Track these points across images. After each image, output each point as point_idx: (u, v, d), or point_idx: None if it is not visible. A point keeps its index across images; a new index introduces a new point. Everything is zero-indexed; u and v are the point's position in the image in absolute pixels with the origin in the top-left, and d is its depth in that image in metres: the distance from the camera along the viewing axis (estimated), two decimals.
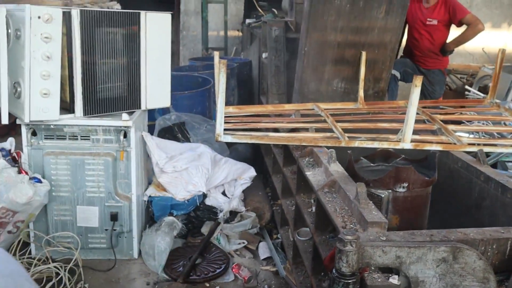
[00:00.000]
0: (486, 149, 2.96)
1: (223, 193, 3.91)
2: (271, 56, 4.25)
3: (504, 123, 4.11)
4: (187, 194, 3.68)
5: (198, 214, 3.77)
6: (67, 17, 2.99)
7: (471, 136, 4.92)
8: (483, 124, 3.98)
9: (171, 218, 3.53)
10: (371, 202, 2.09)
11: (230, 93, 4.95)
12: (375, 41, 3.61)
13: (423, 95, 4.82)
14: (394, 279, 1.76)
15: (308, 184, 2.86)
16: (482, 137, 4.28)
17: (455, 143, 2.96)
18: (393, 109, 3.70)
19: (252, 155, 4.64)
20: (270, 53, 4.24)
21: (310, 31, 3.41)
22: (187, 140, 4.10)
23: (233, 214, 3.85)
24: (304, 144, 2.87)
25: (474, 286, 1.79)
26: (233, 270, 3.34)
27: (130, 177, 3.37)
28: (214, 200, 3.84)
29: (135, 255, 3.49)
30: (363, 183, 2.12)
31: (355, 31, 3.52)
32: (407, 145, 2.85)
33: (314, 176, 2.62)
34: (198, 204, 3.74)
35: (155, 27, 3.43)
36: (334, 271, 1.74)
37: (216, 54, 3.58)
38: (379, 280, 1.75)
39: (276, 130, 3.42)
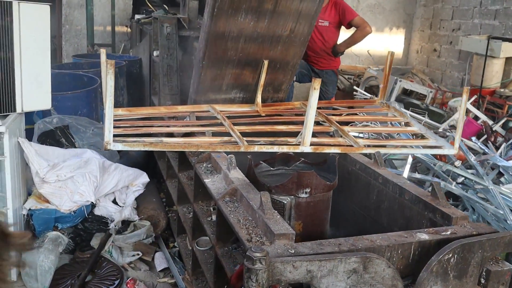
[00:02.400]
0: (381, 150, 3.02)
1: (114, 202, 3.62)
2: (163, 55, 4.01)
3: (391, 123, 4.31)
4: (73, 205, 3.34)
5: (86, 226, 3.44)
6: None
7: (361, 136, 5.11)
8: (375, 124, 4.10)
9: (55, 233, 3.17)
10: (276, 212, 1.99)
11: (119, 93, 4.62)
12: (278, 56, 3.49)
13: None
14: None
15: (206, 191, 2.70)
16: (374, 138, 4.44)
17: (352, 145, 2.98)
18: (289, 111, 3.66)
19: (145, 158, 4.37)
20: (162, 52, 4.00)
21: (210, 46, 3.19)
22: (71, 145, 3.73)
23: (125, 223, 3.57)
24: (201, 150, 2.70)
25: None
26: (128, 285, 3.08)
27: (5, 190, 2.97)
28: (104, 209, 3.53)
29: (14, 276, 3.08)
30: (267, 192, 2.01)
31: (257, 47, 3.35)
32: (306, 148, 2.81)
33: (213, 183, 2.46)
34: (86, 215, 3.41)
35: (31, 19, 3.06)
36: None
37: (103, 52, 3.27)
38: None
39: (170, 134, 3.21)
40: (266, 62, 3.36)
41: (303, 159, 2.84)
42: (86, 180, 3.36)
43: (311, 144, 2.84)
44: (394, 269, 1.74)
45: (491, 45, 7.11)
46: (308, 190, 2.40)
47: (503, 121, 5.63)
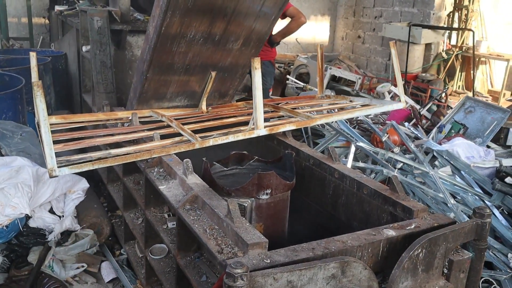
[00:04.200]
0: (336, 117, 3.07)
1: (51, 211, 3.36)
2: (95, 51, 3.76)
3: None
4: (5, 219, 3.05)
5: (22, 240, 3.17)
6: None
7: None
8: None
9: None
10: (244, 219, 1.91)
11: (45, 91, 4.28)
12: (227, 67, 3.35)
13: None
14: None
15: (159, 197, 2.59)
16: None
17: (305, 120, 2.98)
18: (235, 111, 3.58)
19: None
20: (93, 47, 3.75)
21: (155, 61, 2.97)
22: None
23: (65, 234, 3.33)
24: (155, 155, 2.55)
25: None
26: None
27: None
28: (40, 220, 3.27)
29: None
30: (235, 200, 1.93)
31: (206, 60, 3.20)
32: (261, 131, 2.75)
33: (169, 190, 2.33)
34: (20, 228, 3.14)
35: None
36: None
37: (33, 56, 2.99)
38: None
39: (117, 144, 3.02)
40: (213, 74, 3.21)
41: (256, 157, 2.79)
42: (19, 191, 3.08)
43: (265, 127, 2.79)
44: (370, 270, 1.74)
45: (412, 32, 7.42)
46: (268, 191, 2.35)
47: (429, 105, 5.91)
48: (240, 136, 2.75)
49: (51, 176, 2.30)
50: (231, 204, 1.89)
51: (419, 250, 1.86)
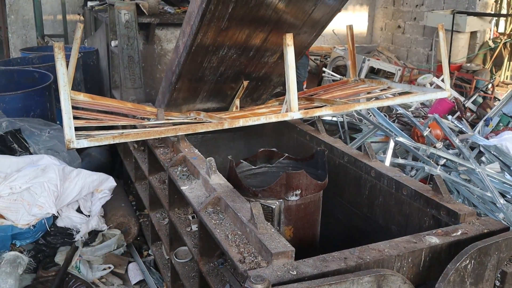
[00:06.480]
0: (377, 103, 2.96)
1: (78, 210, 3.30)
2: (122, 45, 3.66)
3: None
4: (32, 218, 3.01)
5: (49, 240, 3.12)
6: None
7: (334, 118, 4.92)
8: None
9: (13, 253, 2.84)
10: (269, 224, 1.74)
11: (75, 88, 4.23)
12: (261, 77, 3.14)
13: None
14: None
15: (183, 198, 2.44)
16: None
17: (342, 105, 2.80)
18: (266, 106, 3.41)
19: (109, 158, 4.04)
20: (121, 41, 3.65)
21: (184, 73, 2.81)
22: (26, 151, 3.36)
23: (93, 234, 3.25)
24: (180, 133, 2.44)
25: None
26: None
27: None
28: (68, 220, 3.21)
29: None
30: (258, 203, 1.76)
31: (239, 71, 3.00)
32: (296, 114, 2.61)
33: (191, 191, 2.19)
34: (48, 228, 3.08)
35: None
36: None
37: (79, 28, 2.90)
38: None
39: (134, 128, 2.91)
40: (245, 83, 3.03)
41: (286, 154, 2.61)
42: (45, 190, 3.02)
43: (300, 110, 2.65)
44: (410, 284, 1.54)
45: (457, 19, 7.03)
46: (298, 192, 2.17)
47: (475, 97, 5.56)
48: (272, 118, 2.61)
49: (68, 148, 2.21)
50: (254, 208, 1.72)
51: (467, 261, 1.64)
